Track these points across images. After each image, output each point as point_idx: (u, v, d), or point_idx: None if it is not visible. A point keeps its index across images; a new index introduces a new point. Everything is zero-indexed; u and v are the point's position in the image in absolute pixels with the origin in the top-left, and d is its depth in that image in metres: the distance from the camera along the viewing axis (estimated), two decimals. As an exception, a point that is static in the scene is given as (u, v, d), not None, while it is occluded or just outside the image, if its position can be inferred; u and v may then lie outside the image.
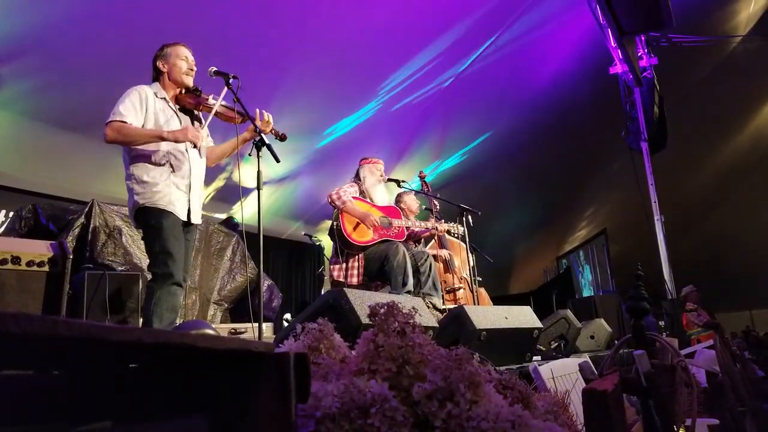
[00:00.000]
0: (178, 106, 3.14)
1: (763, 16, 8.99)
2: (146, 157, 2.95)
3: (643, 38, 7.54)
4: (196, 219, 3.10)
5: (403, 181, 4.79)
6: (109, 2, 5.18)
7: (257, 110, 3.22)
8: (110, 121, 2.86)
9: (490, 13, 7.29)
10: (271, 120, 3.21)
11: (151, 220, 2.89)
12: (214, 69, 3.05)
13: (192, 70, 3.13)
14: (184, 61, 3.10)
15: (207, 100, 3.13)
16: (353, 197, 4.33)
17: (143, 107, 2.95)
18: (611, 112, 8.32)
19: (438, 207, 5.27)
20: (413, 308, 1.04)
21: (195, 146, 3.04)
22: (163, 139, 2.93)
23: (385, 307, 1.00)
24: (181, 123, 3.08)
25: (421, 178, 5.49)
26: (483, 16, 7.29)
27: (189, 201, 3.04)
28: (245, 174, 5.09)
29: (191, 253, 3.20)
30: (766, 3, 8.85)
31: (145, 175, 2.93)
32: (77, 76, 5.59)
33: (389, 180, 4.69)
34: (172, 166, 2.99)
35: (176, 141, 2.96)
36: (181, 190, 3.01)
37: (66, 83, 5.63)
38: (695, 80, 10.00)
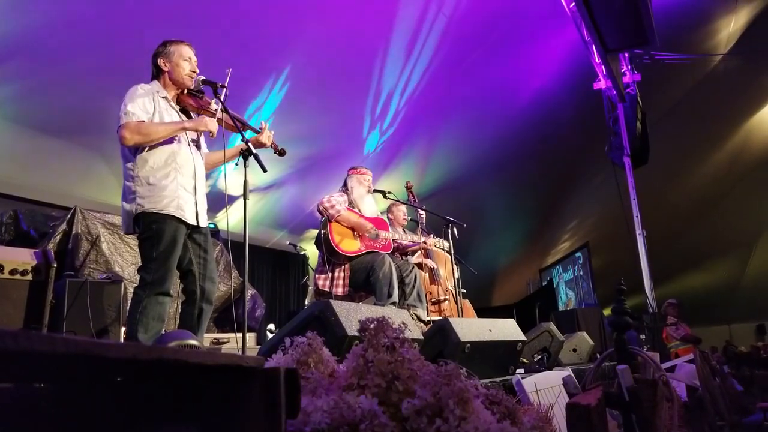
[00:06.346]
0: (178, 107, 3.02)
1: (743, 36, 9.21)
2: (152, 158, 2.81)
3: (626, 55, 7.67)
4: (204, 222, 3.01)
5: (389, 192, 4.78)
6: (94, 8, 5.15)
7: (263, 123, 3.20)
8: (124, 123, 2.73)
9: (476, 27, 7.37)
10: (271, 134, 3.17)
11: (153, 224, 2.76)
12: (202, 78, 3.01)
13: (194, 71, 3.02)
14: (187, 62, 2.99)
15: (209, 104, 3.03)
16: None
17: (152, 104, 2.84)
18: (595, 126, 8.43)
19: (425, 219, 5.28)
20: (403, 323, 1.05)
21: (212, 135, 2.92)
22: (184, 129, 2.85)
23: (376, 323, 1.00)
24: None
25: (408, 188, 5.49)
26: (469, 29, 7.37)
27: (196, 204, 2.94)
28: (230, 182, 5.06)
29: (211, 254, 3.07)
30: (745, 23, 9.07)
31: (152, 177, 2.79)
32: (61, 81, 5.54)
33: (375, 191, 4.68)
34: (178, 167, 2.87)
35: (196, 130, 2.89)
36: (189, 192, 2.90)
37: (50, 88, 5.57)
38: (677, 96, 10.19)
